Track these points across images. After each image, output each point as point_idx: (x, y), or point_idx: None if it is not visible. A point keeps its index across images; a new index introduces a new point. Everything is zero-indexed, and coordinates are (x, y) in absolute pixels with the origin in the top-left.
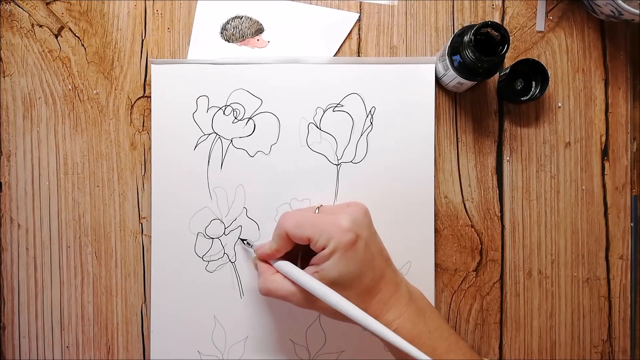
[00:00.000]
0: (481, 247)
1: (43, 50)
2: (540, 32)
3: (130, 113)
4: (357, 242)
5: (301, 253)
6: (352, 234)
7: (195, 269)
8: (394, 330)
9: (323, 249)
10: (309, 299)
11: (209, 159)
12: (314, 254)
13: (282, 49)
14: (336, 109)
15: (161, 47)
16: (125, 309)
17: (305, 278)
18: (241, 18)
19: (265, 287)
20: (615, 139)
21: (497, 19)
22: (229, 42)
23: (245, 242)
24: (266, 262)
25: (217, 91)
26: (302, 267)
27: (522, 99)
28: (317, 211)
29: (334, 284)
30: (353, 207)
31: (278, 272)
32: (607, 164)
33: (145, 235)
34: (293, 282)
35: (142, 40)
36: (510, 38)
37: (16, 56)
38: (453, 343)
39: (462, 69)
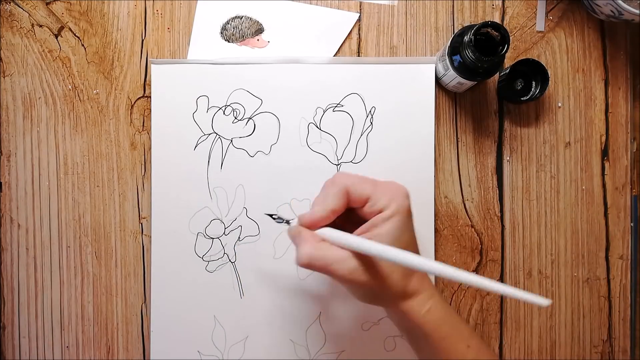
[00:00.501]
0: (481, 247)
1: (43, 50)
2: (540, 32)
3: (130, 113)
4: (411, 212)
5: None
6: (409, 201)
7: (195, 269)
8: (429, 309)
9: (379, 212)
10: (359, 268)
11: (209, 159)
12: (357, 226)
13: (282, 49)
14: (336, 109)
15: (161, 47)
16: (125, 309)
17: (361, 239)
18: (241, 18)
19: (308, 255)
20: (615, 139)
21: (497, 19)
22: (229, 42)
23: (276, 217)
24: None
25: (217, 91)
26: None
27: (522, 99)
28: None
29: None
30: (398, 183)
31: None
32: (607, 164)
33: (145, 235)
34: (345, 249)
35: (142, 40)
36: (510, 38)
37: (16, 56)
38: (471, 328)
39: (462, 69)
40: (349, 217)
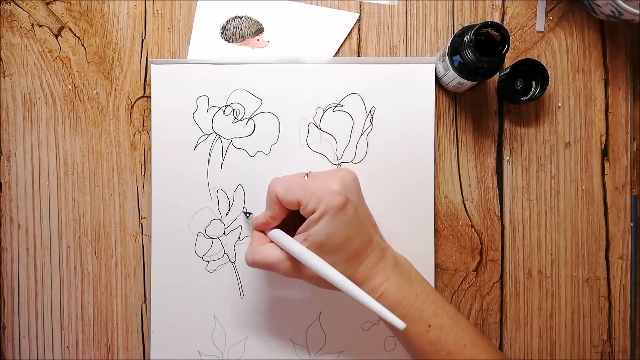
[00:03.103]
0: (481, 247)
1: (43, 50)
2: (540, 32)
3: (130, 113)
4: (346, 206)
5: (297, 223)
6: (342, 197)
7: (195, 269)
8: (381, 295)
9: (312, 212)
10: (295, 267)
11: (209, 159)
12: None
13: (282, 49)
14: (336, 109)
15: (161, 47)
16: (125, 309)
17: (292, 244)
18: (241, 18)
19: (251, 257)
20: (615, 139)
21: (497, 19)
22: (229, 42)
23: (247, 214)
24: (261, 232)
25: (217, 91)
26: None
27: (522, 99)
28: (305, 177)
29: (323, 247)
30: (342, 172)
31: (271, 242)
32: (607, 164)
33: (145, 235)
34: (283, 251)
35: (142, 40)
36: (510, 38)
37: (16, 56)
38: (440, 306)
39: (462, 69)
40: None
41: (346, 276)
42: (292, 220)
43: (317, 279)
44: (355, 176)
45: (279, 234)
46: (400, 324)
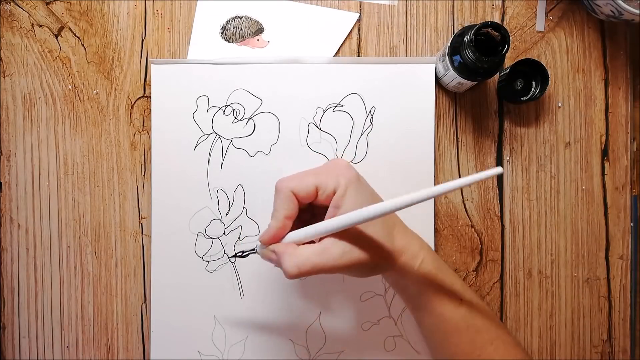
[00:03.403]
0: (481, 247)
1: (43, 50)
2: (540, 32)
3: (130, 113)
4: (360, 176)
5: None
6: (353, 169)
7: (195, 269)
8: (422, 261)
9: (334, 192)
10: (345, 247)
11: (209, 159)
12: (318, 220)
13: (282, 49)
14: (336, 109)
15: (161, 47)
16: (125, 309)
17: (328, 221)
18: (241, 18)
19: (295, 263)
20: (615, 139)
21: (497, 19)
22: (229, 42)
23: (240, 254)
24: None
25: (217, 91)
26: None
27: (522, 99)
28: None
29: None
30: (335, 160)
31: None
32: (607, 164)
33: (145, 235)
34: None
35: (142, 40)
36: (510, 38)
37: (16, 56)
38: (464, 284)
39: (462, 69)
40: (314, 215)
41: (389, 247)
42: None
43: (366, 248)
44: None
45: (303, 230)
46: (498, 169)
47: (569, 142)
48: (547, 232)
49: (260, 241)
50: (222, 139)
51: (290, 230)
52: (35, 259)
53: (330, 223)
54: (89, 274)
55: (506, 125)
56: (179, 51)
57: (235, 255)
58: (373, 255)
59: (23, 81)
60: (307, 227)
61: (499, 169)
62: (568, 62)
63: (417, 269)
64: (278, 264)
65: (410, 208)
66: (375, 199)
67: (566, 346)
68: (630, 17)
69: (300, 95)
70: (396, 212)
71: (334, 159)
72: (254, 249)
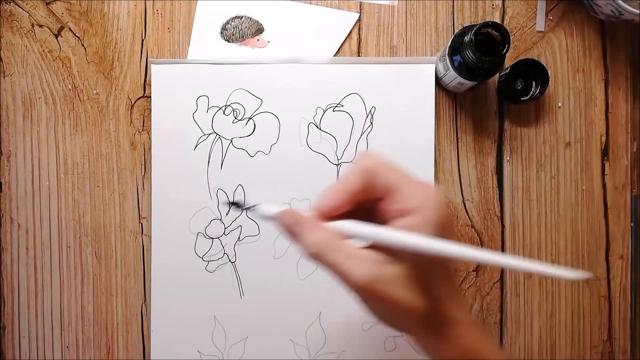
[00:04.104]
0: (481, 247)
1: (43, 50)
2: (540, 32)
3: (130, 113)
4: (446, 223)
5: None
6: (445, 211)
7: (195, 269)
8: (480, 340)
9: (401, 214)
10: (384, 273)
11: (209, 159)
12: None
13: (282, 49)
14: (336, 109)
15: (161, 47)
16: (125, 309)
17: (397, 232)
18: (241, 18)
19: (319, 243)
20: (615, 139)
21: (497, 19)
22: (229, 42)
23: (233, 204)
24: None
25: (217, 91)
26: None
27: (522, 99)
28: None
29: None
30: (434, 185)
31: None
32: (607, 164)
33: (145, 235)
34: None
35: (142, 40)
36: (511, 38)
37: (16, 56)
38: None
39: (462, 69)
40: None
41: (445, 310)
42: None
43: (402, 304)
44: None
45: (359, 224)
46: (573, 273)
47: (569, 142)
48: (547, 232)
49: (310, 206)
50: (222, 139)
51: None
52: (35, 259)
53: (412, 237)
54: (89, 274)
55: (506, 125)
56: (179, 51)
57: (232, 203)
58: (415, 309)
59: (23, 81)
60: (369, 224)
61: (578, 274)
62: (568, 62)
63: (475, 348)
64: (297, 235)
65: None
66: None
67: (566, 346)
68: (630, 17)
69: (300, 95)
70: None
71: (435, 187)
72: (254, 205)
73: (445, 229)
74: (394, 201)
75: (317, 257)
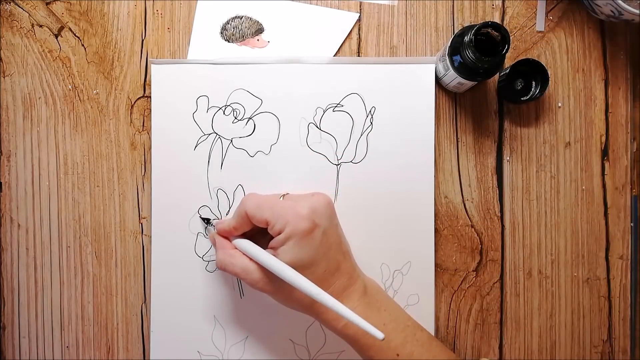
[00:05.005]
0: (481, 247)
1: (43, 50)
2: (540, 32)
3: (130, 113)
4: (313, 231)
5: (257, 237)
6: (309, 222)
7: (195, 269)
8: (345, 324)
9: (279, 233)
10: (265, 279)
11: (209, 159)
12: (271, 238)
13: (282, 49)
14: (336, 109)
15: (161, 47)
16: (125, 309)
17: (265, 255)
18: (241, 18)
19: (224, 260)
20: (615, 139)
21: (497, 19)
22: (229, 42)
23: (206, 220)
24: (225, 238)
25: (217, 91)
26: None
27: (522, 99)
28: (282, 198)
29: None
30: (316, 196)
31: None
32: (607, 164)
33: (145, 235)
34: (252, 261)
35: (142, 40)
36: (511, 38)
37: (16, 56)
38: (410, 334)
39: (462, 69)
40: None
41: (308, 301)
42: (251, 232)
43: (286, 294)
44: (329, 201)
45: (248, 244)
46: (378, 334)
47: (569, 142)
48: (547, 232)
49: (215, 224)
50: (222, 139)
51: (242, 236)
52: (35, 259)
53: (262, 256)
54: (89, 274)
55: (506, 125)
56: (179, 51)
57: (204, 220)
58: (287, 299)
59: (23, 81)
60: (253, 246)
61: (379, 334)
62: (568, 62)
63: (340, 329)
64: (215, 249)
65: (410, 208)
66: (317, 259)
67: (566, 346)
68: (630, 17)
69: (300, 95)
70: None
71: (316, 194)
72: (208, 220)
73: (309, 233)
74: (270, 227)
75: (221, 269)
